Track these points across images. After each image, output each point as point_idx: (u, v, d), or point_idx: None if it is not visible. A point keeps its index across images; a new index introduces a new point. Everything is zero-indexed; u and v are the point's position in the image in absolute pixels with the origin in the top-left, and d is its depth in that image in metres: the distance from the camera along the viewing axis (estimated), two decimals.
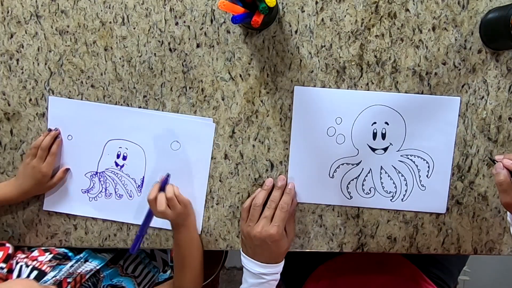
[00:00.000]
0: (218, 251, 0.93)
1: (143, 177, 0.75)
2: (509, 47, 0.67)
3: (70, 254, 0.76)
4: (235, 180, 0.74)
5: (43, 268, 0.70)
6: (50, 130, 0.74)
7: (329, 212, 0.74)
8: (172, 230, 0.73)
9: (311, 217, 0.74)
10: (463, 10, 0.68)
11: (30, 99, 0.75)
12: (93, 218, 0.77)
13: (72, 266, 0.73)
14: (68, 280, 0.69)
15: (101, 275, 0.75)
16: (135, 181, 0.75)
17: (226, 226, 0.75)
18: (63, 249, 0.76)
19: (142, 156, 0.74)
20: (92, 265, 0.75)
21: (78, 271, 0.72)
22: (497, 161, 0.58)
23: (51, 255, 0.73)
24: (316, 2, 0.69)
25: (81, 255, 0.76)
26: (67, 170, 0.75)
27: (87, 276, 0.73)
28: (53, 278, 0.69)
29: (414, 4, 0.68)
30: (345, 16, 0.69)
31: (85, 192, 0.76)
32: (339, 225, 0.74)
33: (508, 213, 0.61)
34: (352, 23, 0.69)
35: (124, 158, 0.75)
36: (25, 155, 0.73)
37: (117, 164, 0.75)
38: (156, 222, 0.75)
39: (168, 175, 0.72)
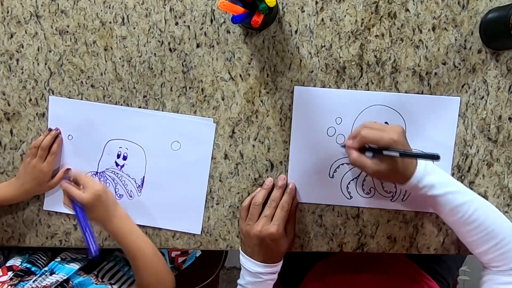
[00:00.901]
0: (218, 251, 0.93)
1: (143, 177, 0.75)
2: (509, 47, 0.67)
3: (33, 269, 0.73)
4: (235, 180, 0.74)
5: (5, 287, 0.67)
6: (50, 129, 0.74)
7: (329, 212, 0.74)
8: (103, 226, 0.69)
9: (311, 217, 0.74)
10: (463, 10, 0.68)
11: (30, 99, 0.75)
12: None
13: (35, 280, 0.70)
14: None
15: (70, 285, 0.71)
16: (135, 181, 0.75)
17: (226, 226, 0.75)
18: (25, 265, 0.73)
19: (142, 156, 0.74)
20: (58, 276, 0.72)
21: (43, 284, 0.69)
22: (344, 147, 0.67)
23: (13, 273, 0.70)
24: (316, 2, 0.69)
25: (46, 268, 0.73)
26: (68, 170, 0.75)
27: (52, 287, 0.68)
28: None
29: (414, 4, 0.68)
30: (345, 16, 0.69)
31: None
32: (339, 225, 0.74)
33: None
34: (352, 23, 0.69)
35: (124, 158, 0.75)
36: (25, 155, 0.73)
37: (117, 164, 0.75)
38: (155, 222, 0.75)
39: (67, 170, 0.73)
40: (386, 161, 0.60)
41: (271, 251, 0.67)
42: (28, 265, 0.73)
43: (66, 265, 0.75)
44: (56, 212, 0.77)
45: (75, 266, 0.75)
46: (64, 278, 0.71)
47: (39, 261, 0.75)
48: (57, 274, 0.73)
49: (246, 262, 0.69)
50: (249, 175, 0.74)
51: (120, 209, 0.70)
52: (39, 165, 0.71)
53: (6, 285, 0.67)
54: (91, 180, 0.68)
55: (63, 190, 0.68)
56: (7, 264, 0.73)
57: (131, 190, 0.75)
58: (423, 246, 0.73)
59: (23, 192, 0.72)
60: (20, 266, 0.73)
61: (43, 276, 0.72)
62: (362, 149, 0.64)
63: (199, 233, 0.75)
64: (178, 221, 0.75)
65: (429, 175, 0.61)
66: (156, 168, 0.74)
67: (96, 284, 0.75)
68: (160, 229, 0.76)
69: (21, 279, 0.70)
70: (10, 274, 0.70)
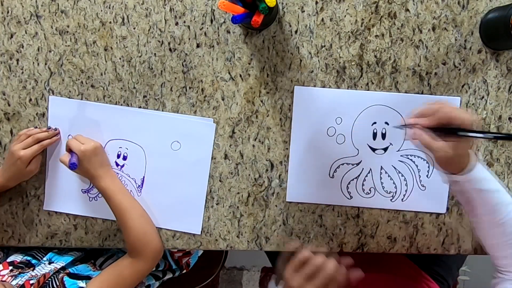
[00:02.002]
0: (218, 251, 0.93)
1: (143, 177, 0.75)
2: (509, 47, 0.67)
3: (33, 261, 0.74)
4: (235, 180, 0.74)
5: (4, 279, 0.68)
6: (49, 128, 0.73)
7: (329, 212, 0.74)
8: (94, 182, 0.71)
9: (311, 217, 0.74)
10: (463, 10, 0.68)
11: (30, 99, 0.75)
12: (93, 218, 0.77)
13: (34, 269, 0.72)
14: (31, 282, 0.67)
15: (67, 271, 0.73)
16: (135, 181, 0.75)
17: (226, 226, 0.75)
18: (26, 257, 0.75)
19: (142, 156, 0.74)
20: (56, 264, 0.74)
21: (41, 272, 0.71)
22: (408, 126, 0.60)
23: (13, 266, 0.72)
24: (316, 2, 0.69)
25: (44, 258, 0.75)
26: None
27: (51, 274, 0.70)
28: (16, 285, 0.67)
29: (414, 4, 0.68)
30: (345, 16, 0.69)
31: (85, 192, 0.76)
32: (339, 225, 0.74)
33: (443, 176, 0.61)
34: (352, 23, 0.69)
35: (124, 158, 0.75)
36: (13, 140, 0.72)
37: (117, 164, 0.75)
38: (155, 222, 0.75)
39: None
40: (456, 146, 0.57)
41: None
42: (28, 258, 0.75)
43: (64, 255, 0.76)
44: (56, 212, 0.77)
45: (72, 256, 0.77)
46: (62, 265, 0.73)
47: (39, 255, 0.77)
48: (55, 263, 0.74)
49: None
50: (249, 175, 0.74)
51: (112, 170, 0.74)
52: (17, 151, 0.69)
53: (7, 277, 0.68)
54: (89, 138, 0.73)
55: (65, 147, 0.72)
56: (8, 260, 0.74)
57: (131, 190, 0.75)
58: (423, 246, 0.73)
59: (7, 178, 0.72)
60: (19, 260, 0.74)
61: (42, 265, 0.73)
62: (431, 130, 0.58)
63: (199, 233, 0.75)
64: (178, 221, 0.75)
65: (482, 168, 0.59)
66: (156, 168, 0.74)
67: (93, 271, 0.76)
68: (160, 229, 0.76)
69: (21, 270, 0.71)
70: (11, 268, 0.71)
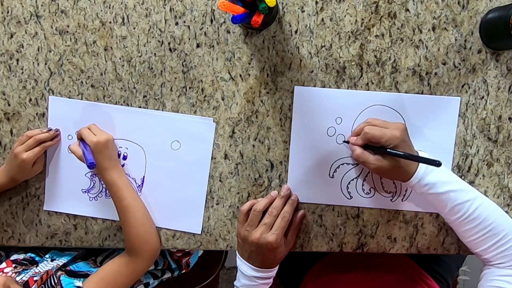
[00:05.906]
0: (218, 251, 0.93)
1: (144, 176, 0.75)
2: (509, 47, 0.67)
3: (37, 258, 0.75)
4: (235, 180, 0.74)
5: (9, 275, 0.68)
6: (50, 129, 0.73)
7: (329, 212, 0.74)
8: (102, 175, 0.71)
9: (311, 217, 0.74)
10: (463, 10, 0.68)
11: (30, 99, 0.75)
12: (93, 218, 0.77)
13: (37, 266, 0.72)
14: (35, 278, 0.68)
15: (68, 268, 0.73)
16: (135, 181, 0.75)
17: (226, 226, 0.75)
18: (29, 254, 0.75)
19: (142, 156, 0.74)
20: (58, 261, 0.74)
21: (44, 269, 0.71)
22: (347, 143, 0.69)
23: (17, 263, 0.72)
24: (316, 2, 0.69)
25: (47, 255, 0.76)
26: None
27: (53, 271, 0.71)
28: (20, 281, 0.67)
29: (414, 4, 0.68)
30: (345, 16, 0.69)
31: (85, 192, 0.76)
32: (339, 225, 0.74)
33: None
34: (352, 23, 0.69)
35: (125, 157, 0.75)
36: (16, 141, 0.72)
37: None
38: (155, 221, 0.75)
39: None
40: (389, 158, 0.61)
41: (267, 258, 0.67)
42: (32, 255, 0.75)
43: (65, 253, 0.77)
44: (56, 212, 0.77)
45: (73, 253, 0.77)
46: (64, 262, 0.74)
47: (42, 252, 0.77)
48: (57, 260, 0.75)
49: (242, 265, 0.69)
50: (249, 175, 0.74)
51: (119, 164, 0.73)
52: (20, 154, 0.70)
53: (11, 273, 0.69)
54: (102, 130, 0.73)
55: (77, 134, 0.72)
56: (12, 258, 0.74)
57: None
58: (423, 246, 0.73)
59: (10, 179, 0.72)
60: (22, 257, 0.75)
61: (45, 262, 0.73)
62: (365, 146, 0.64)
63: (199, 233, 0.75)
64: (178, 221, 0.75)
65: (431, 173, 0.61)
66: (156, 168, 0.74)
67: (93, 267, 0.76)
68: (160, 228, 0.76)
69: (25, 267, 0.71)
70: (14, 265, 0.72)
